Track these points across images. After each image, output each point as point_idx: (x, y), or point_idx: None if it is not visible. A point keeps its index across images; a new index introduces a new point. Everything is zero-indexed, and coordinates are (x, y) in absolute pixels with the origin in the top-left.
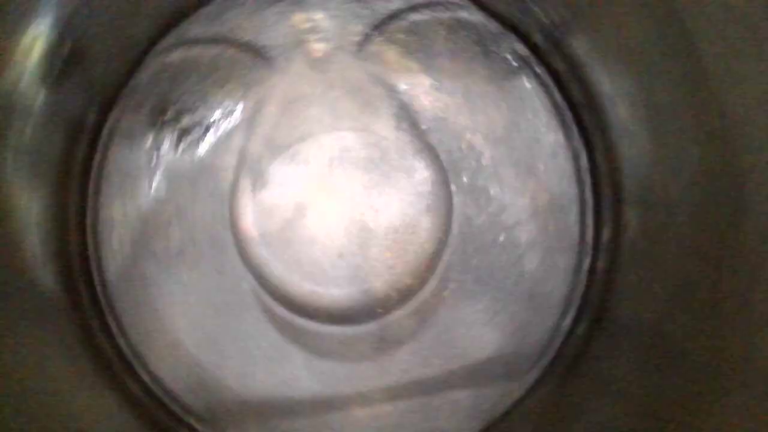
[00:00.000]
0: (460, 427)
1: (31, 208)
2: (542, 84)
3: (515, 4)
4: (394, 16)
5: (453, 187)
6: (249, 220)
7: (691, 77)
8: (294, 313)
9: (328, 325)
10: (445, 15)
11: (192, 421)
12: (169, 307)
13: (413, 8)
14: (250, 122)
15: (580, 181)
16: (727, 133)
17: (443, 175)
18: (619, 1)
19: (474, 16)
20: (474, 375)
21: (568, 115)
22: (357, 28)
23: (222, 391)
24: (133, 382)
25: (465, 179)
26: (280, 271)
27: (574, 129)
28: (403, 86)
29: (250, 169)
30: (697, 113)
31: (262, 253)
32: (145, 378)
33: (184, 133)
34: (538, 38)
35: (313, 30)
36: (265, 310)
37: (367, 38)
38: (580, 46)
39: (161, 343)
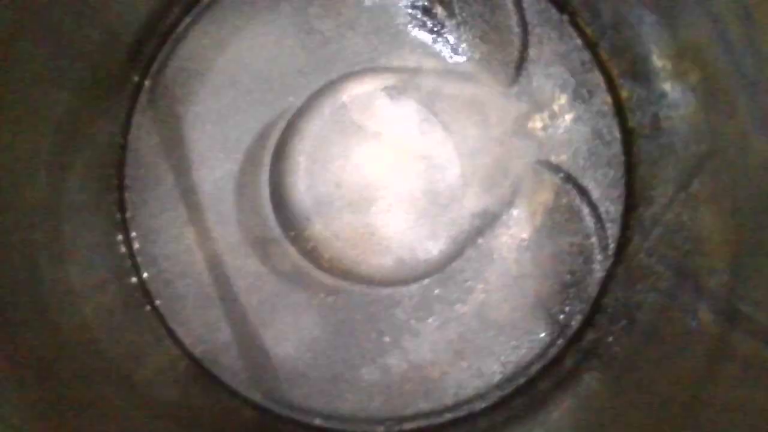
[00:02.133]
0: None
1: None
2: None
3: None
4: (581, 189)
5: (424, 283)
6: (317, 115)
7: None
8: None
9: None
10: (589, 233)
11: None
12: None
13: (591, 206)
14: (452, 70)
15: None
16: None
17: (434, 269)
18: None
19: (598, 262)
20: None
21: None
22: (562, 159)
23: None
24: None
25: (434, 292)
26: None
27: None
28: (516, 212)
29: (401, 79)
30: None
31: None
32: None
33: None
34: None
35: (549, 113)
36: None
37: (555, 168)
38: None
39: None
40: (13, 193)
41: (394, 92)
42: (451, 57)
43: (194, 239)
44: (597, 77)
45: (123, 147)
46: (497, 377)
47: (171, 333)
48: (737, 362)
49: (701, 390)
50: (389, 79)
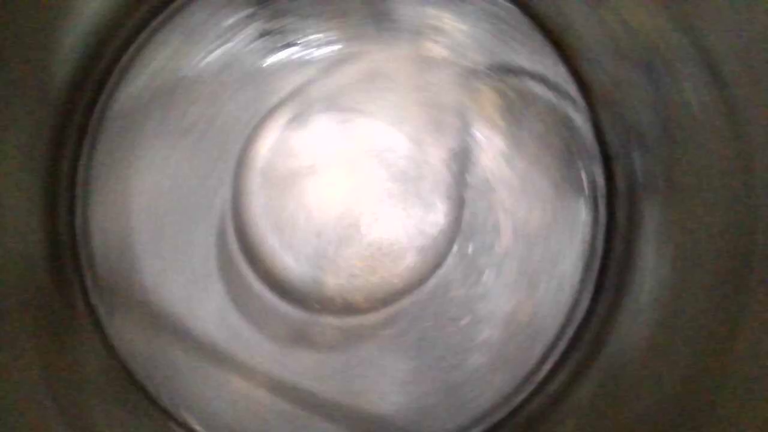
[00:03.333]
0: None
1: None
2: (598, 224)
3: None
4: (515, 71)
5: (455, 248)
6: (263, 147)
7: None
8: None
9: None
10: (553, 100)
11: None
12: None
13: (533, 77)
14: (328, 67)
15: None
16: None
17: (454, 232)
18: None
19: (578, 116)
20: None
21: (597, 265)
22: (479, 58)
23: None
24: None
25: (469, 250)
26: (256, 209)
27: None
28: (479, 133)
29: (296, 104)
30: None
31: (252, 182)
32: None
33: (265, 33)
34: (620, 181)
35: (439, 31)
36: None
37: (481, 72)
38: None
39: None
40: None
41: (298, 121)
42: (312, 55)
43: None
44: None
45: None
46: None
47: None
48: None
49: None
50: (284, 115)
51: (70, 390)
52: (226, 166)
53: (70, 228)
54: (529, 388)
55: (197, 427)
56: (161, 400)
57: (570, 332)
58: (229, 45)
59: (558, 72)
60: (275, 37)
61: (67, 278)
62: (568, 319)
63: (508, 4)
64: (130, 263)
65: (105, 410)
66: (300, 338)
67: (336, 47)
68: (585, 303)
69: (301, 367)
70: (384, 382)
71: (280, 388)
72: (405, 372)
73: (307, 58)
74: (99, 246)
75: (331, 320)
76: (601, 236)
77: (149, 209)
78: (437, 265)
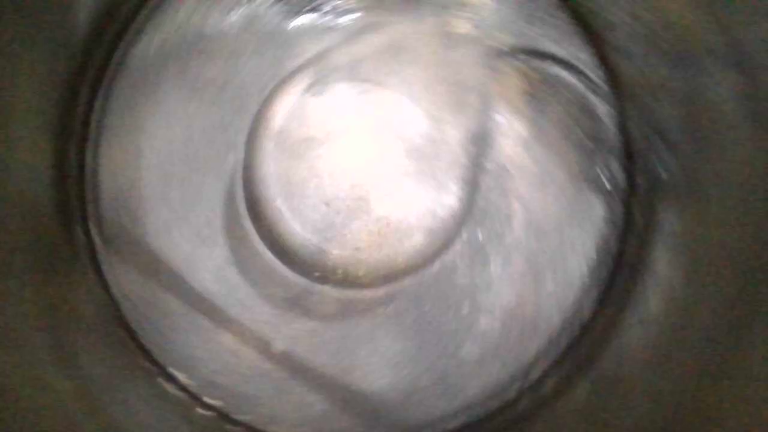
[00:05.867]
0: None
1: None
2: (614, 222)
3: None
4: (541, 55)
5: (464, 235)
6: (279, 111)
7: None
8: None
9: (267, 249)
10: (579, 88)
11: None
12: None
13: (560, 62)
14: (350, 35)
15: None
16: None
17: (465, 217)
18: None
19: (603, 106)
20: None
21: (608, 266)
22: (505, 38)
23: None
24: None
25: (479, 237)
26: (267, 171)
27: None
28: (500, 117)
29: (316, 71)
30: None
31: (265, 144)
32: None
33: None
34: (640, 179)
35: (465, 6)
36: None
37: (508, 54)
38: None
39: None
40: None
41: (317, 88)
42: (335, 22)
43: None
44: None
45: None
46: (581, 274)
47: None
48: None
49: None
50: (303, 81)
51: (62, 325)
52: (240, 125)
53: (79, 171)
54: (524, 384)
55: (180, 376)
56: (149, 346)
57: (572, 332)
58: (253, 5)
59: (586, 59)
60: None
61: (73, 219)
62: (572, 319)
63: None
64: (135, 210)
65: (92, 348)
66: (296, 304)
67: (360, 15)
68: (591, 304)
69: (294, 334)
70: (376, 359)
71: (270, 351)
72: (398, 352)
73: (330, 24)
74: (107, 190)
75: (329, 290)
76: (615, 235)
77: (160, 159)
78: (444, 248)
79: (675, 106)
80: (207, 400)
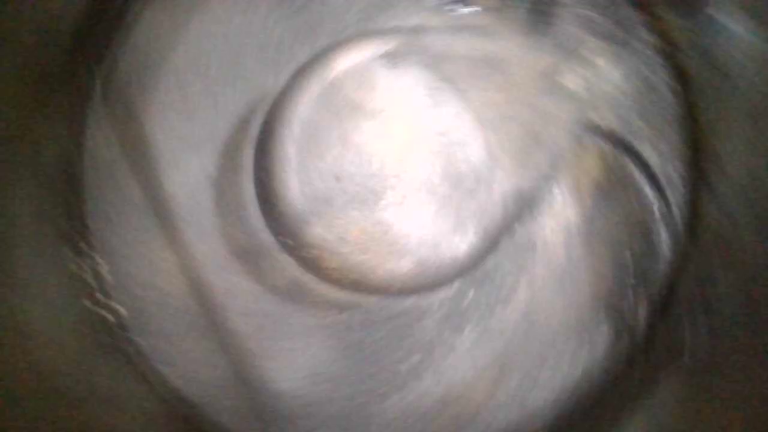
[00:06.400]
0: None
1: None
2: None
3: None
4: (635, 156)
5: (453, 287)
6: (338, 63)
7: None
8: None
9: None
10: (653, 212)
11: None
12: None
13: (650, 176)
14: (455, 26)
15: None
16: None
17: (464, 269)
18: None
19: (664, 246)
20: None
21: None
22: (609, 118)
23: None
24: None
25: (467, 298)
26: (293, 115)
27: None
28: (557, 191)
29: (398, 42)
30: None
31: (305, 90)
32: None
33: None
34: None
35: (585, 63)
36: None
37: (601, 133)
38: None
39: None
40: None
41: (393, 59)
42: (455, 9)
43: (170, 258)
44: (631, 12)
45: (78, 155)
46: (555, 394)
47: (154, 372)
48: None
49: None
50: (386, 44)
51: None
52: (299, 55)
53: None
54: None
55: (105, 273)
56: (85, 250)
57: None
58: None
59: (676, 185)
60: None
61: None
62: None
63: (666, 78)
64: (143, 95)
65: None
66: (249, 258)
67: (477, 11)
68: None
69: (233, 288)
70: (296, 356)
71: (203, 295)
72: (321, 362)
73: (444, 3)
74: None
75: (288, 264)
76: (615, 366)
77: (184, 61)
78: (426, 289)
79: (739, 290)
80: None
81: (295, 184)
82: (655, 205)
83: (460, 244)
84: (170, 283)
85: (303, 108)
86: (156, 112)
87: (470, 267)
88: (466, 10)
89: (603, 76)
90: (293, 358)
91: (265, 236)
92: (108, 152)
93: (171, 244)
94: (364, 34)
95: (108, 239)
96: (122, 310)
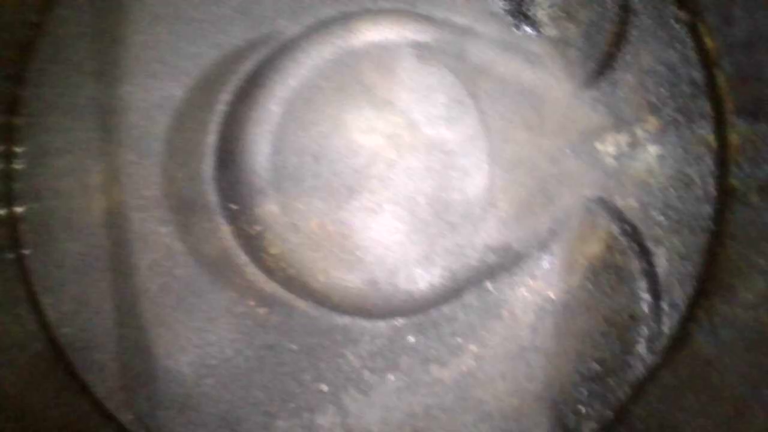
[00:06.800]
0: None
1: None
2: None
3: None
4: (642, 246)
5: (396, 323)
6: (344, 41)
7: None
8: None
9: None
10: (645, 303)
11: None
12: None
13: (648, 265)
14: (501, 43)
15: None
16: None
17: (418, 306)
18: None
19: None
20: None
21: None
22: (631, 202)
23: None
24: None
25: (408, 341)
26: (284, 84)
27: None
28: (549, 258)
29: (421, 34)
30: None
31: (302, 63)
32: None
33: None
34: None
35: (632, 143)
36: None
37: (617, 217)
38: None
39: None
40: None
41: (424, 52)
42: (518, 24)
43: (97, 176)
44: (704, 106)
45: (41, 22)
46: None
47: (33, 300)
48: None
49: None
50: (423, 33)
51: None
52: (306, 7)
53: None
54: None
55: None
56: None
57: None
58: None
59: (678, 290)
60: None
61: None
62: None
63: (711, 184)
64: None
65: None
66: (183, 211)
67: (539, 35)
68: None
69: (157, 244)
70: (198, 340)
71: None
72: (224, 355)
73: (506, 14)
74: None
75: (225, 234)
76: None
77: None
78: (366, 315)
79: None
80: None
81: (265, 147)
82: (646, 313)
83: (420, 279)
84: (87, 203)
85: (306, 66)
86: (143, 18)
87: (421, 309)
88: (529, 30)
89: (644, 157)
90: (196, 338)
91: (211, 193)
92: (74, 29)
93: (103, 161)
94: (403, 13)
95: (36, 134)
96: (20, 210)
